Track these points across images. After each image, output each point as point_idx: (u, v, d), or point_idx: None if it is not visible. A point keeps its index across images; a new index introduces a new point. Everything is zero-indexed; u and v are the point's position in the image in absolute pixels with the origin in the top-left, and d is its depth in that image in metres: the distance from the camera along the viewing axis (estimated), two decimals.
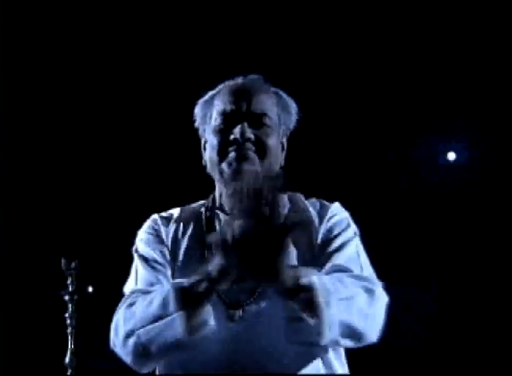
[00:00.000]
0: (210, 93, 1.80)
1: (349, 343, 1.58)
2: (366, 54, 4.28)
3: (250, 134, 1.68)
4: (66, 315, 3.36)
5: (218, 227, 1.71)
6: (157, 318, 1.52)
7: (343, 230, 1.74)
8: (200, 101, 1.81)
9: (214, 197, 1.79)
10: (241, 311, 1.61)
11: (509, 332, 4.13)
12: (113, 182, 4.42)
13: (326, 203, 1.80)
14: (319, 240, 1.71)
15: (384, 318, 1.61)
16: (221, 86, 1.80)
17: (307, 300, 1.49)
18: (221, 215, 1.74)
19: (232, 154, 1.67)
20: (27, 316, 4.33)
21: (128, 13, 4.11)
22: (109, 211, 4.18)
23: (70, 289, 3.38)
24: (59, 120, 4.38)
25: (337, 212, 1.78)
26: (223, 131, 1.70)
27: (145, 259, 1.73)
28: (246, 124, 1.68)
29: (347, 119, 4.40)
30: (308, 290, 1.48)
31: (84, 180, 4.44)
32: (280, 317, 1.60)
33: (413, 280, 4.44)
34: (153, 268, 1.71)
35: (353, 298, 1.55)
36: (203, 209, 1.78)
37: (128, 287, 1.73)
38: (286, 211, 1.74)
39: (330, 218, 1.75)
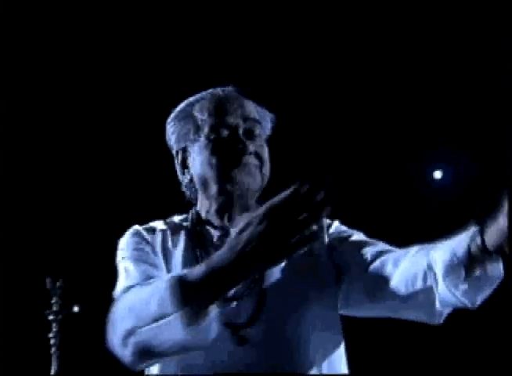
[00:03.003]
0: (186, 107, 1.70)
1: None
2: (351, 76, 4.29)
3: (252, 147, 1.62)
4: (51, 335, 3.33)
5: (215, 240, 1.64)
6: (157, 317, 1.37)
7: (348, 230, 1.71)
8: (174, 117, 1.71)
9: (197, 212, 1.71)
10: (246, 333, 1.53)
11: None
12: (99, 201, 4.39)
13: None
14: (329, 248, 1.65)
15: None
16: (195, 98, 1.71)
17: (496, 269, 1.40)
18: (213, 231, 1.67)
19: (235, 171, 1.60)
20: (12, 335, 4.28)
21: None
22: (95, 230, 4.15)
23: (55, 308, 3.36)
24: (33, 139, 4.35)
25: (328, 220, 1.73)
26: (220, 147, 1.62)
27: (136, 258, 1.60)
28: (244, 137, 1.62)
29: (336, 136, 4.41)
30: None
31: (68, 199, 4.41)
32: (286, 336, 1.54)
33: None
34: (146, 263, 1.58)
35: None
36: (187, 224, 1.69)
37: (120, 286, 1.57)
38: None
39: (329, 226, 1.72)
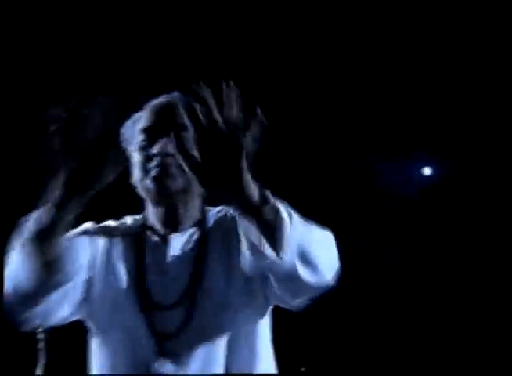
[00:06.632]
0: (137, 114, 1.75)
1: (306, 272, 1.47)
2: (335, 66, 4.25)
3: (171, 149, 1.62)
4: None
5: (146, 250, 1.68)
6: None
7: None
8: (127, 122, 1.75)
9: (145, 217, 1.74)
10: (171, 344, 1.58)
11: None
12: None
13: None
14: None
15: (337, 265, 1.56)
16: (142, 113, 1.74)
17: (271, 216, 1.43)
18: (152, 237, 1.70)
19: (153, 170, 1.64)
20: None
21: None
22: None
23: None
24: None
25: None
26: (145, 148, 1.68)
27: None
28: (167, 139, 1.64)
29: (323, 132, 4.39)
30: (271, 207, 1.43)
31: None
32: (214, 348, 1.58)
33: (388, 296, 4.47)
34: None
35: (312, 228, 1.51)
36: (133, 230, 1.72)
37: None
38: (211, 223, 1.72)
39: None
